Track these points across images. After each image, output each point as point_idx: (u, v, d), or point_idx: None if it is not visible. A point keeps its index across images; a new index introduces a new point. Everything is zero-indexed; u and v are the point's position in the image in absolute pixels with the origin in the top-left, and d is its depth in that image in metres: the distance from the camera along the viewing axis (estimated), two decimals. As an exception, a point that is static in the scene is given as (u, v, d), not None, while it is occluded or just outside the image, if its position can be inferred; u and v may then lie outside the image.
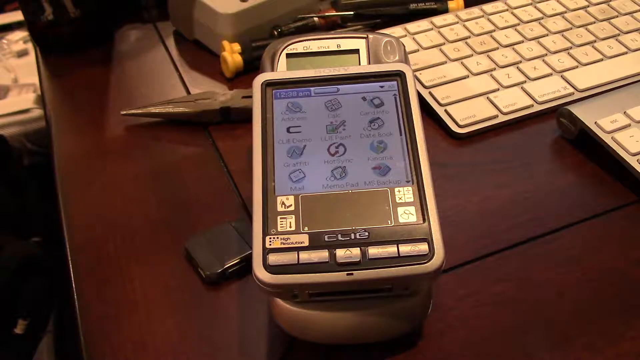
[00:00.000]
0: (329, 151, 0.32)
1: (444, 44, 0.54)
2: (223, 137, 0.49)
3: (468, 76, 0.51)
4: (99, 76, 0.58)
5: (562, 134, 0.46)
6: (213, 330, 0.35)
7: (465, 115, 0.47)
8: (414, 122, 0.33)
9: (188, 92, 0.54)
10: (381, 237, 0.29)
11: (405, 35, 0.56)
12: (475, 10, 0.58)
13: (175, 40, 0.61)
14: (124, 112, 0.50)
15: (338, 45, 0.40)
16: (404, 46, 0.40)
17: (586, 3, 0.58)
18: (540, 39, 0.54)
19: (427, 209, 0.30)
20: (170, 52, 0.60)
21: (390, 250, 0.28)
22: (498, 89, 0.50)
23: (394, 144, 0.32)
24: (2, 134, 0.93)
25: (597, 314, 0.35)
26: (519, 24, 0.56)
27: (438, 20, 0.57)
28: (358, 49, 0.39)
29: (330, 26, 0.59)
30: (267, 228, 0.29)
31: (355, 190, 0.31)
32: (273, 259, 0.28)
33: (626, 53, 0.53)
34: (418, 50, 0.54)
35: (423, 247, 0.28)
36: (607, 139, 0.42)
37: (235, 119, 0.50)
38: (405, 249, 0.28)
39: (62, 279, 0.40)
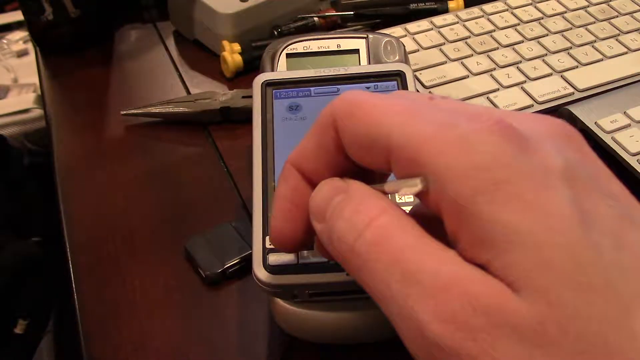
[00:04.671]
0: (329, 151, 0.32)
1: (444, 44, 0.54)
2: (223, 137, 0.49)
3: (468, 76, 0.51)
4: (99, 76, 0.58)
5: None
6: (213, 330, 0.35)
7: (465, 115, 0.47)
8: (414, 122, 0.33)
9: (188, 92, 0.54)
10: (381, 238, 0.29)
11: (405, 35, 0.56)
12: (475, 10, 0.58)
13: (175, 40, 0.61)
14: (124, 112, 0.50)
15: (338, 45, 0.40)
16: (404, 46, 0.40)
17: (586, 3, 0.58)
18: (540, 39, 0.54)
19: (427, 209, 0.30)
20: (170, 52, 0.60)
21: (391, 250, 0.28)
22: (498, 89, 0.50)
23: (394, 144, 0.32)
24: (2, 134, 0.93)
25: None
26: (519, 24, 0.56)
27: (438, 20, 0.57)
28: (358, 49, 0.39)
29: (330, 26, 0.59)
30: (268, 228, 0.29)
31: (356, 191, 0.31)
32: (273, 259, 0.28)
33: (626, 53, 0.53)
34: (418, 50, 0.54)
35: (423, 248, 0.28)
36: (607, 139, 0.42)
37: (235, 119, 0.50)
38: (405, 249, 0.28)
39: (62, 279, 0.40)
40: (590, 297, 0.16)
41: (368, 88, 0.35)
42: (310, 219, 0.22)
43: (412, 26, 0.56)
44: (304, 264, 0.28)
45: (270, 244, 0.29)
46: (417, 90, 0.35)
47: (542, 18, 0.57)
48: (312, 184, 0.22)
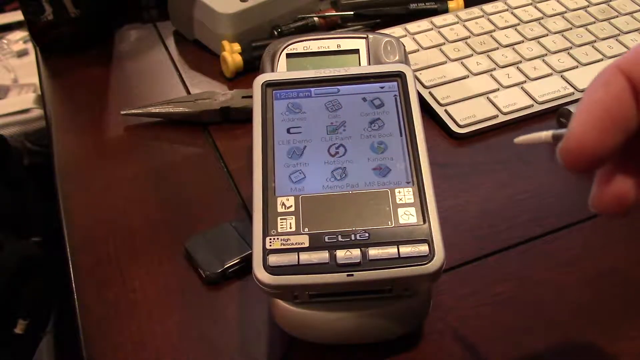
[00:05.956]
0: (329, 152, 0.32)
1: (444, 44, 0.54)
2: (223, 137, 0.49)
3: (468, 76, 0.51)
4: (99, 76, 0.58)
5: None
6: (213, 330, 0.35)
7: (465, 115, 0.47)
8: (414, 123, 0.33)
9: (188, 92, 0.54)
10: (381, 238, 0.29)
11: (405, 35, 0.56)
12: (475, 10, 0.58)
13: (175, 40, 0.61)
14: (124, 112, 0.50)
15: (338, 45, 0.40)
16: (404, 46, 0.40)
17: (586, 3, 0.58)
18: (540, 39, 0.54)
19: (427, 210, 0.30)
20: (170, 52, 0.60)
21: (391, 251, 0.28)
22: (498, 89, 0.50)
23: (394, 145, 0.32)
24: (2, 134, 0.93)
25: (597, 314, 0.35)
26: (519, 24, 0.56)
27: (438, 20, 0.57)
28: (358, 49, 0.39)
29: (330, 26, 0.59)
30: (267, 229, 0.29)
31: (356, 191, 0.31)
32: (273, 259, 0.28)
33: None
34: (418, 50, 0.54)
35: (423, 248, 0.28)
36: (607, 139, 0.42)
37: (235, 119, 0.50)
38: (405, 250, 0.28)
39: (62, 279, 0.40)
40: None
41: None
42: (622, 136, 0.19)
43: (412, 26, 0.56)
44: (304, 265, 0.28)
45: (270, 245, 0.29)
46: (417, 91, 0.35)
47: (542, 18, 0.57)
48: (638, 99, 0.19)
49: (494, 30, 0.56)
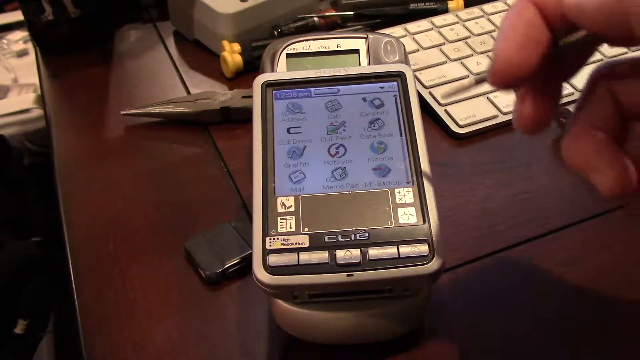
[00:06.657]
0: (329, 152, 0.32)
1: (444, 44, 0.54)
2: (223, 137, 0.49)
3: (468, 76, 0.51)
4: (99, 76, 0.58)
5: (562, 133, 0.46)
6: (213, 330, 0.35)
7: (465, 115, 0.47)
8: (414, 123, 0.33)
9: (188, 92, 0.54)
10: (381, 238, 0.29)
11: (405, 35, 0.56)
12: (475, 10, 0.58)
13: (175, 40, 0.61)
14: (124, 112, 0.50)
15: (338, 45, 0.40)
16: (404, 46, 0.40)
17: (586, 3, 0.58)
18: (540, 39, 0.54)
19: (427, 210, 0.30)
20: (170, 52, 0.60)
21: (391, 251, 0.28)
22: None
23: (394, 145, 0.32)
24: (2, 134, 0.93)
25: (597, 314, 0.35)
26: (519, 24, 0.56)
27: (438, 20, 0.57)
28: (358, 49, 0.39)
29: (330, 26, 0.59)
30: (267, 229, 0.29)
31: (356, 191, 0.31)
32: (273, 259, 0.28)
33: (626, 53, 0.53)
34: (418, 50, 0.54)
35: (423, 248, 0.28)
36: (607, 139, 0.42)
37: (235, 119, 0.50)
38: (405, 250, 0.28)
39: (62, 279, 0.40)
40: None
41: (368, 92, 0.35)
42: (539, 52, 0.22)
43: (412, 26, 0.56)
44: (304, 265, 0.28)
45: (270, 245, 0.29)
46: (417, 91, 0.35)
47: (542, 18, 0.57)
48: (548, 24, 0.22)
49: (494, 31, 0.56)
